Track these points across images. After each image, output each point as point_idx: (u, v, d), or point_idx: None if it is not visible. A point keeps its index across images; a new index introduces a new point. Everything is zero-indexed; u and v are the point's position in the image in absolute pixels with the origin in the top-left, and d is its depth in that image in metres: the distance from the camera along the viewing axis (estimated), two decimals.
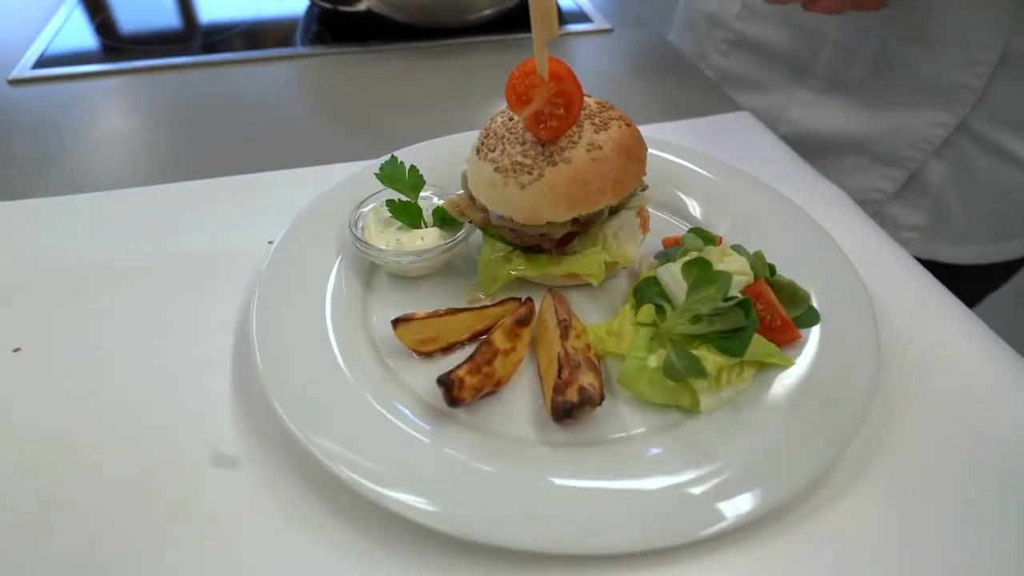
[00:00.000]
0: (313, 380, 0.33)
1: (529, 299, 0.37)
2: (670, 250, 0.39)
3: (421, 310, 0.36)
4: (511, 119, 0.36)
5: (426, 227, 0.40)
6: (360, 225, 0.40)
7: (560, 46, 0.73)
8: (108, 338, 0.38)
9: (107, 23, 0.76)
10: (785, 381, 0.33)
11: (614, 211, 0.37)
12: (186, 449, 0.32)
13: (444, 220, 0.40)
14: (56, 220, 0.47)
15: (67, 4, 0.79)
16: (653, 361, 0.32)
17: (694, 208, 0.46)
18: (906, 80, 0.55)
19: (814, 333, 0.35)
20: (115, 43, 0.72)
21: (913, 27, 0.48)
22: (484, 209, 0.37)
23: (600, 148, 0.34)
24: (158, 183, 0.50)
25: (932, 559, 0.28)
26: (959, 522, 0.29)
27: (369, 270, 0.41)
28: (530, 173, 0.34)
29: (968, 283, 0.65)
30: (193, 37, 0.75)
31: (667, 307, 0.34)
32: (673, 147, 0.49)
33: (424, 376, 0.34)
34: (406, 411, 0.33)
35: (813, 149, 0.62)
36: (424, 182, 0.40)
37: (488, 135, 0.37)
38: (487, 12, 0.73)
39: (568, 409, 0.31)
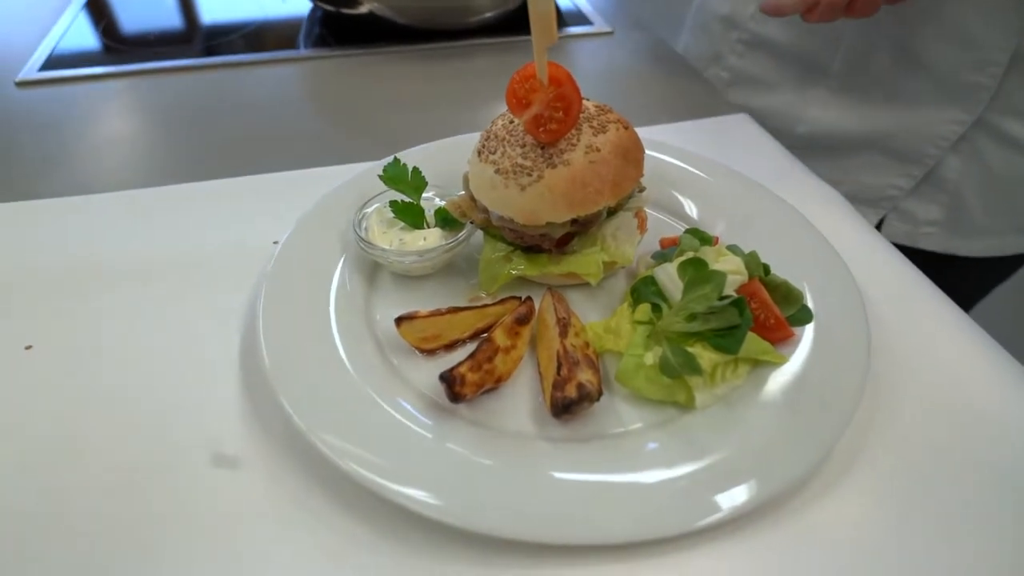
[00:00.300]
0: (318, 377, 0.34)
1: (529, 298, 0.37)
2: (667, 250, 0.40)
3: (424, 308, 0.37)
4: (511, 122, 0.37)
5: (428, 227, 0.41)
6: (364, 225, 0.41)
7: (561, 48, 0.74)
8: (116, 337, 0.39)
9: (111, 25, 0.77)
10: (778, 378, 0.34)
11: (612, 212, 0.38)
12: (193, 444, 0.33)
13: (446, 220, 0.41)
14: (63, 220, 0.48)
15: (72, 6, 0.80)
16: (650, 358, 0.33)
17: (691, 209, 0.47)
18: (921, 79, 0.56)
19: (807, 331, 0.36)
20: (119, 45, 0.73)
21: (926, 30, 0.49)
22: (485, 210, 0.38)
23: (598, 151, 0.35)
24: (163, 184, 0.51)
25: (919, 549, 0.29)
26: (945, 513, 0.30)
27: (373, 269, 0.41)
28: (530, 175, 0.35)
29: (981, 275, 0.67)
30: (196, 39, 0.76)
31: (664, 306, 0.35)
32: (671, 149, 0.50)
33: (427, 373, 0.35)
34: (409, 407, 0.33)
35: (830, 147, 0.63)
36: (426, 183, 0.41)
37: (489, 137, 0.37)
38: (488, 15, 0.74)
39: (567, 405, 0.32)
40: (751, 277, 0.36)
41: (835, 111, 0.62)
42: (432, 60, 0.72)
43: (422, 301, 0.39)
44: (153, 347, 0.38)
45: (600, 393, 0.33)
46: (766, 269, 0.37)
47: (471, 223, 0.40)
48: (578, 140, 0.35)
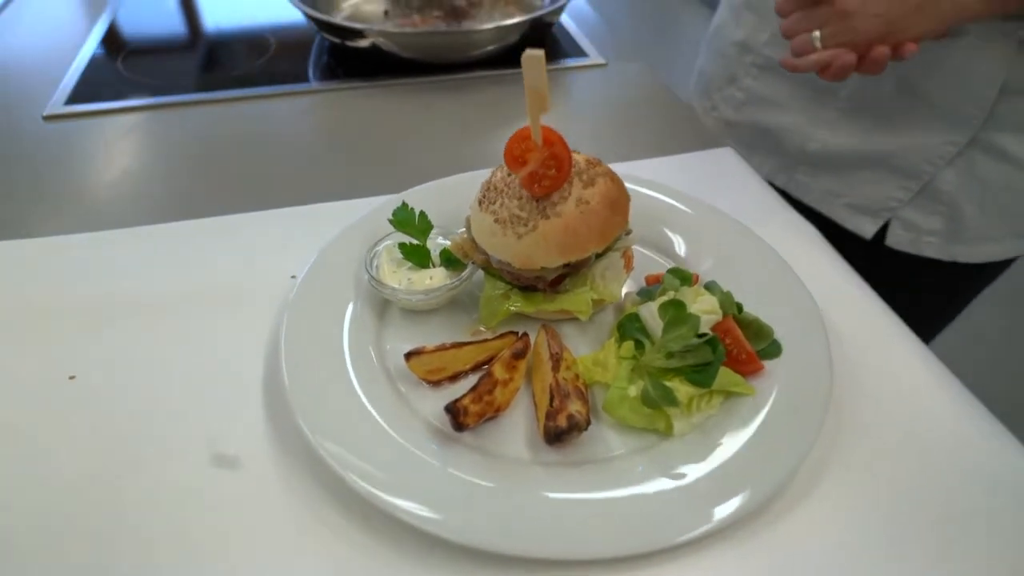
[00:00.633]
0: (334, 404, 0.38)
1: (525, 333, 0.41)
2: (651, 287, 0.43)
3: (429, 342, 0.41)
4: (509, 175, 0.41)
5: (434, 267, 0.45)
6: (375, 264, 0.45)
7: (558, 79, 0.78)
8: (150, 363, 0.43)
9: (128, 57, 0.81)
10: (749, 407, 0.38)
11: (600, 255, 0.42)
12: (223, 458, 0.37)
13: (450, 261, 0.44)
14: (95, 254, 0.51)
15: (92, 38, 0.84)
16: (633, 391, 0.37)
17: (679, 246, 0.50)
18: (921, 106, 0.61)
19: (776, 364, 0.40)
20: (139, 77, 0.77)
21: (923, 68, 0.53)
22: (485, 252, 0.42)
23: (588, 203, 0.39)
24: (185, 218, 0.55)
25: (873, 555, 0.33)
26: (896, 525, 0.34)
27: (383, 304, 0.45)
28: (525, 225, 0.39)
29: (978, 277, 0.72)
30: (216, 70, 0.80)
31: (646, 342, 0.39)
32: (661, 186, 0.54)
33: (433, 402, 0.39)
34: (416, 435, 0.37)
35: (837, 163, 0.68)
36: (432, 226, 0.45)
37: (489, 189, 0.41)
38: (489, 48, 0.78)
39: (559, 434, 0.36)
40: (725, 315, 0.40)
41: (842, 131, 0.67)
42: (435, 92, 0.76)
43: (428, 334, 0.43)
44: (183, 373, 0.42)
45: (588, 423, 0.37)
46: (739, 308, 0.41)
47: (473, 263, 0.44)
48: (569, 193, 0.39)
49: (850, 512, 0.35)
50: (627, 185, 0.43)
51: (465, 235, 0.44)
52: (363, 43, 0.78)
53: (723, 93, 0.76)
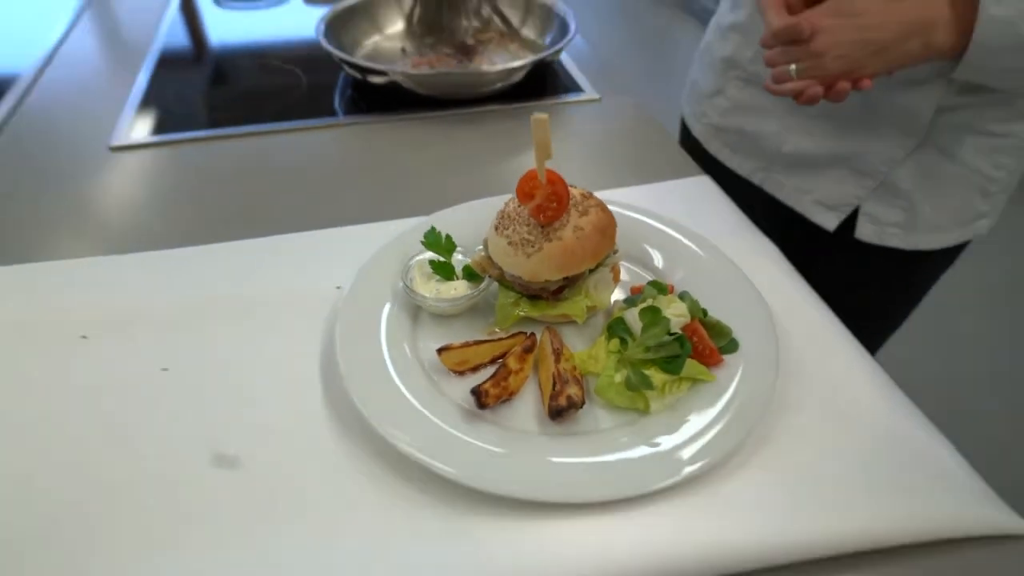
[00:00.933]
0: (381, 390, 0.48)
1: (533, 333, 0.51)
2: (634, 296, 0.53)
3: (454, 340, 0.51)
4: (519, 207, 0.51)
5: (457, 280, 0.54)
6: (409, 276, 0.55)
7: (557, 113, 0.88)
8: (224, 359, 0.53)
9: (178, 94, 0.91)
10: (711, 391, 0.48)
11: (593, 271, 0.52)
12: (292, 436, 0.47)
13: (471, 275, 0.54)
14: (168, 268, 0.61)
15: (143, 75, 0.94)
16: (618, 378, 0.47)
17: (657, 260, 0.60)
18: (875, 118, 0.73)
19: (734, 358, 0.50)
20: (188, 111, 0.87)
21: (878, 89, 0.64)
22: (500, 268, 0.52)
23: (582, 229, 0.49)
24: (238, 238, 0.65)
25: (806, 508, 0.43)
26: (826, 483, 0.44)
27: (415, 310, 0.55)
28: (533, 247, 0.49)
29: (936, 263, 0.84)
30: (255, 107, 0.90)
31: (629, 340, 0.49)
32: (644, 210, 0.64)
33: (459, 388, 0.49)
34: (447, 412, 0.47)
35: (807, 164, 0.81)
36: (456, 246, 0.55)
37: (503, 217, 0.51)
38: (497, 85, 0.88)
39: (560, 411, 0.46)
40: (693, 318, 0.50)
41: (812, 137, 0.79)
42: (450, 124, 0.85)
43: (453, 334, 0.53)
44: (255, 365, 0.52)
45: (583, 403, 0.46)
46: (704, 312, 0.51)
47: (489, 277, 0.54)
48: (568, 221, 0.49)
49: (783, 471, 0.44)
50: (615, 209, 0.53)
51: (483, 254, 0.54)
52: (384, 80, 0.88)
53: (711, 102, 0.88)
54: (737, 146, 0.88)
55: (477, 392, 0.46)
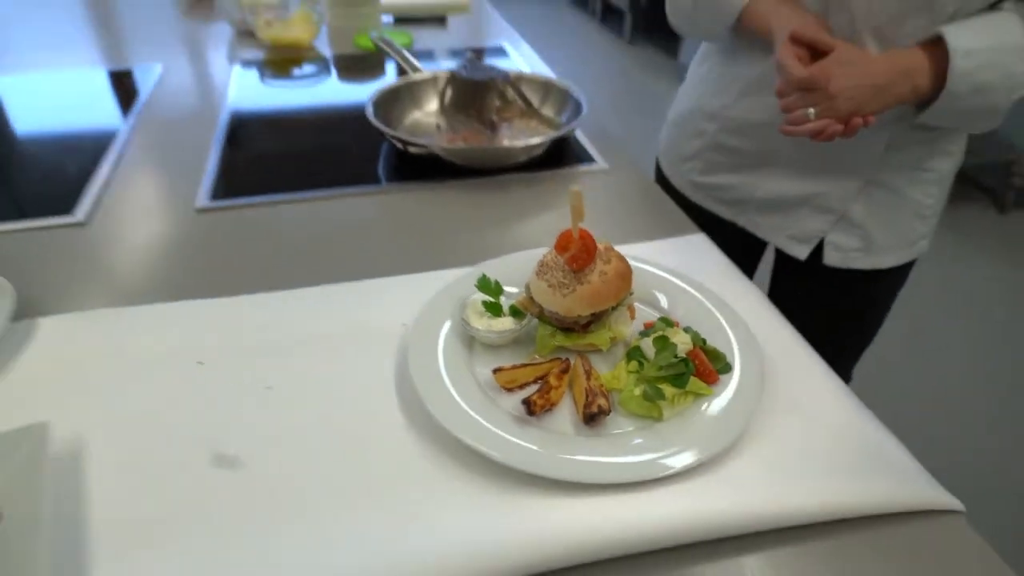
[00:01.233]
0: (449, 403, 0.60)
1: (567, 358, 0.64)
2: (648, 330, 0.66)
3: (505, 364, 0.63)
4: (556, 257, 0.64)
5: (505, 316, 0.67)
6: (465, 313, 0.68)
7: (574, 181, 1.03)
8: (314, 382, 0.65)
9: (248, 161, 1.06)
10: (709, 402, 0.60)
11: (614, 308, 0.65)
12: (372, 436, 0.59)
13: (515, 312, 0.67)
14: (260, 308, 0.74)
15: (216, 143, 1.09)
16: (637, 391, 0.60)
17: (664, 302, 0.74)
18: (833, 162, 0.92)
19: (727, 376, 0.63)
20: (258, 177, 1.01)
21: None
22: (540, 306, 0.65)
23: (606, 274, 0.63)
24: (307, 286, 0.78)
25: (788, 494, 0.55)
26: (804, 473, 0.56)
27: (470, 340, 0.68)
28: (567, 288, 0.62)
29: (891, 281, 1.04)
30: (314, 173, 1.04)
31: (645, 362, 0.62)
32: (653, 263, 0.77)
33: (510, 401, 0.61)
34: (501, 420, 0.59)
35: (779, 206, 1.00)
36: (503, 289, 0.69)
37: (543, 265, 0.65)
38: (521, 158, 1.03)
39: (592, 416, 0.58)
40: (695, 346, 0.63)
41: (781, 184, 0.98)
42: (481, 190, 1.00)
43: (501, 360, 0.65)
44: (340, 383, 0.64)
45: (610, 410, 0.59)
46: (704, 341, 0.64)
47: (531, 314, 0.67)
48: (595, 268, 0.63)
49: (764, 461, 0.57)
50: (630, 261, 0.67)
51: (526, 295, 0.67)
52: (423, 151, 1.03)
53: (689, 164, 1.08)
54: (715, 196, 1.07)
55: (528, 402, 0.59)
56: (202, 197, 0.95)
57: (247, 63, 1.45)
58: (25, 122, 1.22)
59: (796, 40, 0.79)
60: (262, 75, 1.42)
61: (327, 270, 0.80)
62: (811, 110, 0.77)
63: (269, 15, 1.52)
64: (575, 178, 1.03)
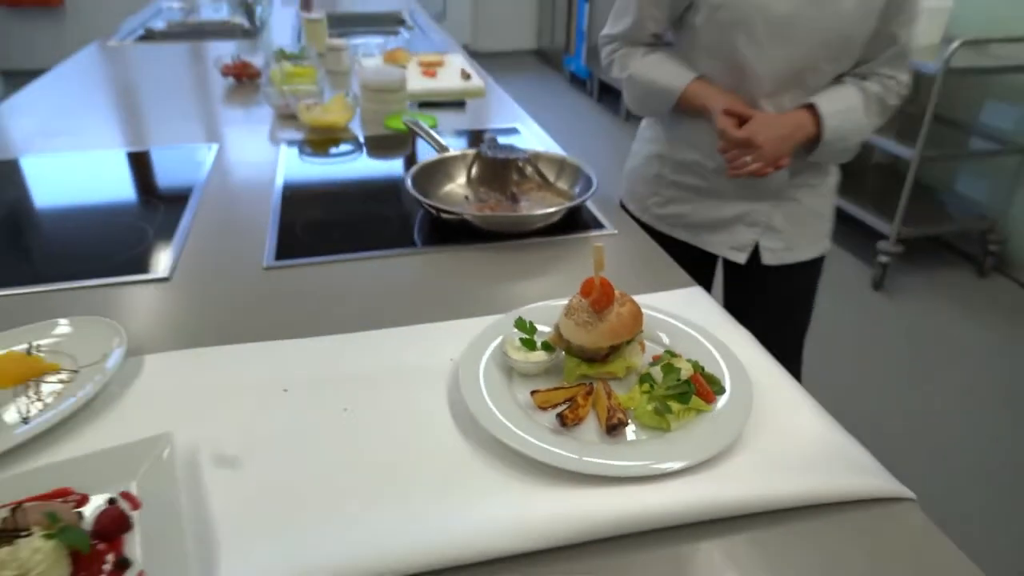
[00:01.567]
0: (495, 419, 0.74)
1: (591, 383, 0.78)
2: (656, 361, 0.81)
3: (536, 390, 0.77)
4: (581, 300, 0.79)
5: (538, 351, 0.82)
6: (504, 347, 0.82)
7: (586, 244, 1.19)
8: (384, 402, 0.79)
9: (304, 227, 1.22)
10: (708, 417, 0.74)
11: (628, 343, 0.80)
12: (429, 446, 0.72)
13: (547, 347, 0.82)
14: (335, 349, 0.89)
15: (274, 209, 1.25)
16: (649, 408, 0.73)
17: (666, 339, 0.88)
18: (755, 187, 1.25)
19: (722, 397, 0.77)
20: (311, 241, 1.17)
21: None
22: (567, 341, 0.80)
23: (622, 315, 0.77)
24: (363, 330, 0.93)
25: (769, 493, 0.68)
26: (773, 465, 0.69)
27: (509, 370, 0.82)
28: (591, 326, 0.77)
29: (811, 271, 1.39)
30: (359, 238, 1.20)
31: (655, 385, 0.76)
32: (657, 309, 0.92)
33: (545, 417, 0.75)
34: (539, 432, 0.73)
35: (720, 226, 1.33)
36: (536, 329, 0.83)
37: (570, 307, 0.79)
38: (539, 225, 1.19)
39: (614, 427, 0.72)
40: (695, 372, 0.77)
41: (722, 208, 1.31)
42: (506, 252, 1.14)
43: (536, 386, 0.79)
44: (403, 405, 0.78)
45: (627, 423, 0.73)
46: (702, 368, 0.78)
47: (560, 348, 0.81)
48: (612, 310, 0.77)
49: (751, 458, 0.70)
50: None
51: (555, 333, 0.82)
52: (455, 218, 1.19)
53: (650, 200, 1.40)
54: (673, 223, 1.39)
55: (561, 416, 0.73)
56: (268, 257, 1.10)
57: (291, 142, 1.63)
58: (107, 192, 1.39)
59: (728, 113, 1.15)
60: (302, 152, 1.60)
61: (378, 318, 0.95)
62: (749, 159, 1.14)
63: (309, 101, 1.72)
64: (587, 242, 1.19)
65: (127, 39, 2.74)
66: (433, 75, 2.02)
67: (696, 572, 0.61)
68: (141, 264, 1.07)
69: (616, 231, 1.22)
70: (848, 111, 1.15)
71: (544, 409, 0.76)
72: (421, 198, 1.19)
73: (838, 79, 1.19)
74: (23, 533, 0.56)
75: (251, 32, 2.92)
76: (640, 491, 0.66)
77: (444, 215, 1.20)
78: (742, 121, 1.14)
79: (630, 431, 0.74)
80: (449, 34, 3.03)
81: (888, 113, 1.21)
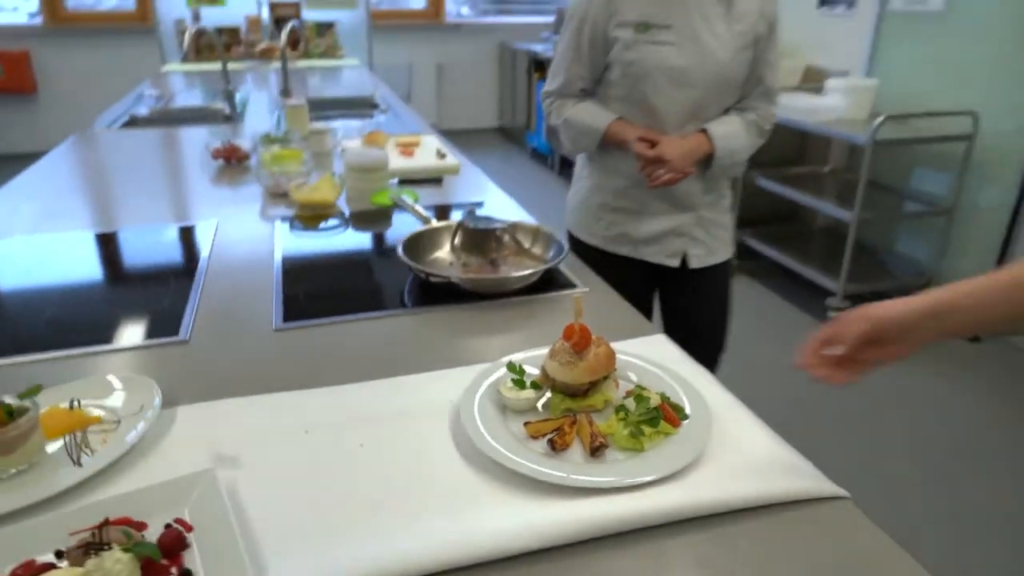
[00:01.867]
0: (493, 445, 0.86)
1: (575, 415, 0.91)
2: (628, 396, 0.94)
3: (528, 422, 0.90)
4: (563, 343, 0.93)
5: (528, 389, 0.95)
6: (499, 387, 0.95)
7: (560, 302, 1.33)
8: (392, 443, 0.90)
9: (306, 294, 1.34)
10: (674, 438, 0.87)
11: (605, 379, 0.94)
12: (436, 470, 0.84)
13: (535, 385, 0.95)
14: (338, 397, 1.00)
15: (276, 278, 1.37)
16: (625, 432, 0.86)
17: (636, 377, 1.02)
18: (680, 204, 1.67)
19: (686, 422, 0.90)
20: (313, 306, 1.29)
21: (671, 188, 1.58)
22: (552, 380, 0.93)
23: (599, 355, 0.91)
24: (367, 380, 1.05)
25: (712, 488, 0.81)
26: (724, 473, 0.82)
27: (502, 407, 0.95)
28: (573, 364, 0.90)
29: (725, 271, 1.77)
30: (358, 299, 1.33)
31: (629, 413, 0.89)
32: (626, 352, 1.06)
33: (538, 444, 0.87)
34: (532, 456, 0.85)
35: (653, 239, 1.67)
36: (525, 371, 0.96)
37: (554, 350, 0.93)
38: (517, 286, 1.34)
39: (597, 448, 0.84)
40: (662, 401, 0.90)
41: (654, 224, 1.64)
42: (488, 311, 1.28)
43: (527, 419, 0.92)
44: (413, 441, 0.89)
45: (608, 446, 0.85)
46: (668, 398, 0.92)
47: (546, 387, 0.95)
48: (591, 350, 0.91)
49: (717, 473, 0.83)
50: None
51: (542, 373, 0.95)
52: (442, 281, 1.33)
53: (597, 225, 1.70)
54: (618, 241, 1.70)
55: (551, 442, 0.86)
56: (276, 320, 1.22)
57: (283, 218, 1.77)
58: (122, 266, 1.50)
59: (642, 139, 1.50)
60: (294, 227, 1.73)
61: (380, 370, 1.07)
62: (661, 171, 1.48)
63: (299, 180, 1.87)
64: (560, 300, 1.34)
65: (113, 126, 2.89)
66: (411, 154, 2.20)
67: (669, 563, 0.74)
68: (161, 329, 1.18)
69: (587, 288, 1.37)
70: (733, 134, 1.54)
71: (536, 438, 0.89)
72: (412, 264, 1.33)
73: (725, 112, 1.59)
74: (105, 547, 0.66)
75: (232, 117, 3.09)
76: (621, 500, 0.79)
77: (433, 279, 1.34)
78: (653, 145, 1.48)
79: (610, 453, 0.86)
80: (417, 114, 3.25)
81: (765, 135, 1.61)
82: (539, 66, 5.96)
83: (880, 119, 2.97)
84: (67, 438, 0.89)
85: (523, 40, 6.56)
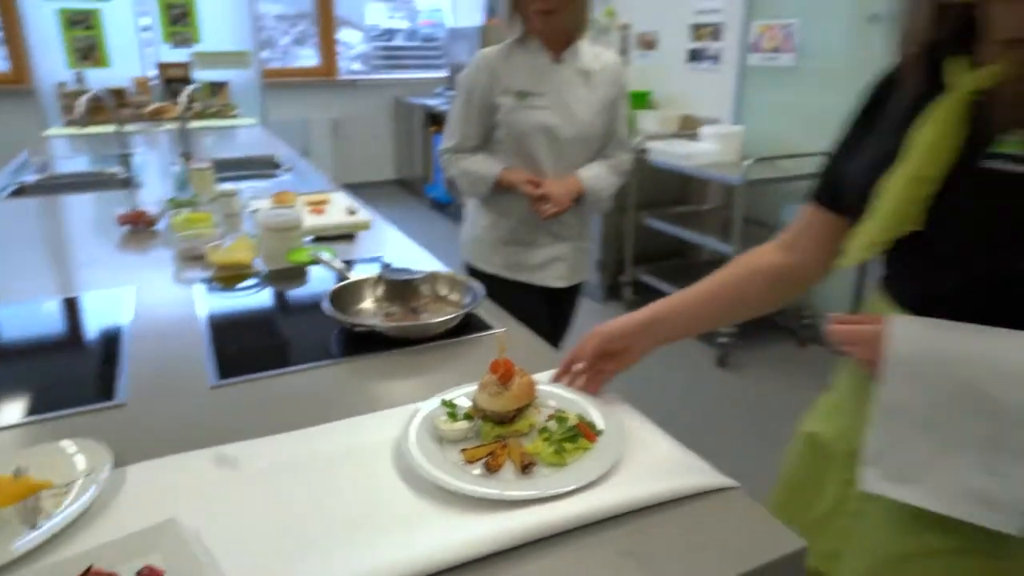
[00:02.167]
0: (434, 471, 0.96)
1: (505, 440, 1.03)
2: (550, 419, 1.07)
3: (464, 448, 1.01)
4: (491, 376, 1.05)
5: (460, 420, 1.06)
6: (435, 421, 1.05)
7: (477, 343, 1.45)
8: (341, 475, 0.99)
9: (237, 349, 1.40)
10: (592, 452, 1.00)
11: (528, 406, 1.06)
12: (388, 498, 0.94)
13: (467, 416, 1.06)
14: (281, 442, 1.08)
15: (205, 338, 1.42)
16: (549, 449, 0.99)
17: (554, 403, 1.15)
18: (565, 234, 2.14)
19: (601, 437, 1.04)
20: (246, 360, 1.36)
21: (571, 213, 2.01)
22: (483, 410, 1.04)
23: (522, 384, 1.04)
24: (306, 427, 1.13)
25: (623, 489, 0.95)
26: (636, 476, 0.96)
27: (439, 438, 1.05)
28: (499, 394, 1.02)
29: (579, 295, 2.27)
30: (290, 353, 1.40)
31: (552, 433, 1.02)
32: (543, 382, 1.20)
33: (474, 467, 0.98)
34: (467, 477, 0.96)
35: (544, 266, 2.12)
36: (456, 405, 1.07)
37: (483, 383, 1.05)
38: (438, 331, 1.45)
39: (526, 466, 0.96)
40: (580, 421, 1.04)
41: (544, 252, 2.08)
42: (412, 356, 1.38)
43: (462, 447, 1.03)
44: (361, 474, 0.98)
45: (535, 464, 0.97)
46: (583, 417, 1.05)
47: (477, 417, 1.06)
48: (515, 381, 1.04)
49: (630, 477, 0.97)
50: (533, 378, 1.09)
51: (473, 406, 1.06)
52: (367, 330, 1.43)
53: (499, 256, 2.09)
54: (516, 268, 2.07)
55: (486, 464, 0.97)
56: (211, 378, 1.28)
57: (201, 280, 1.81)
58: (44, 337, 1.50)
59: (530, 182, 1.91)
60: (211, 288, 1.78)
61: (318, 416, 1.15)
62: (548, 205, 1.89)
63: (214, 243, 1.92)
64: (478, 341, 1.46)
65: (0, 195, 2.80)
66: (321, 212, 2.28)
67: (596, 555, 0.86)
68: (95, 395, 1.21)
69: (504, 328, 1.50)
70: (598, 176, 1.99)
71: (472, 462, 1.00)
72: (336, 314, 1.42)
73: (591, 160, 2.02)
74: None
75: (129, 181, 3.06)
76: (551, 507, 0.91)
77: (357, 328, 1.43)
78: (538, 186, 1.89)
79: (538, 469, 0.98)
80: (319, 171, 3.32)
81: (625, 177, 2.08)
82: (434, 119, 6.15)
83: (749, 161, 3.31)
84: (19, 505, 0.92)
85: (417, 95, 6.77)
